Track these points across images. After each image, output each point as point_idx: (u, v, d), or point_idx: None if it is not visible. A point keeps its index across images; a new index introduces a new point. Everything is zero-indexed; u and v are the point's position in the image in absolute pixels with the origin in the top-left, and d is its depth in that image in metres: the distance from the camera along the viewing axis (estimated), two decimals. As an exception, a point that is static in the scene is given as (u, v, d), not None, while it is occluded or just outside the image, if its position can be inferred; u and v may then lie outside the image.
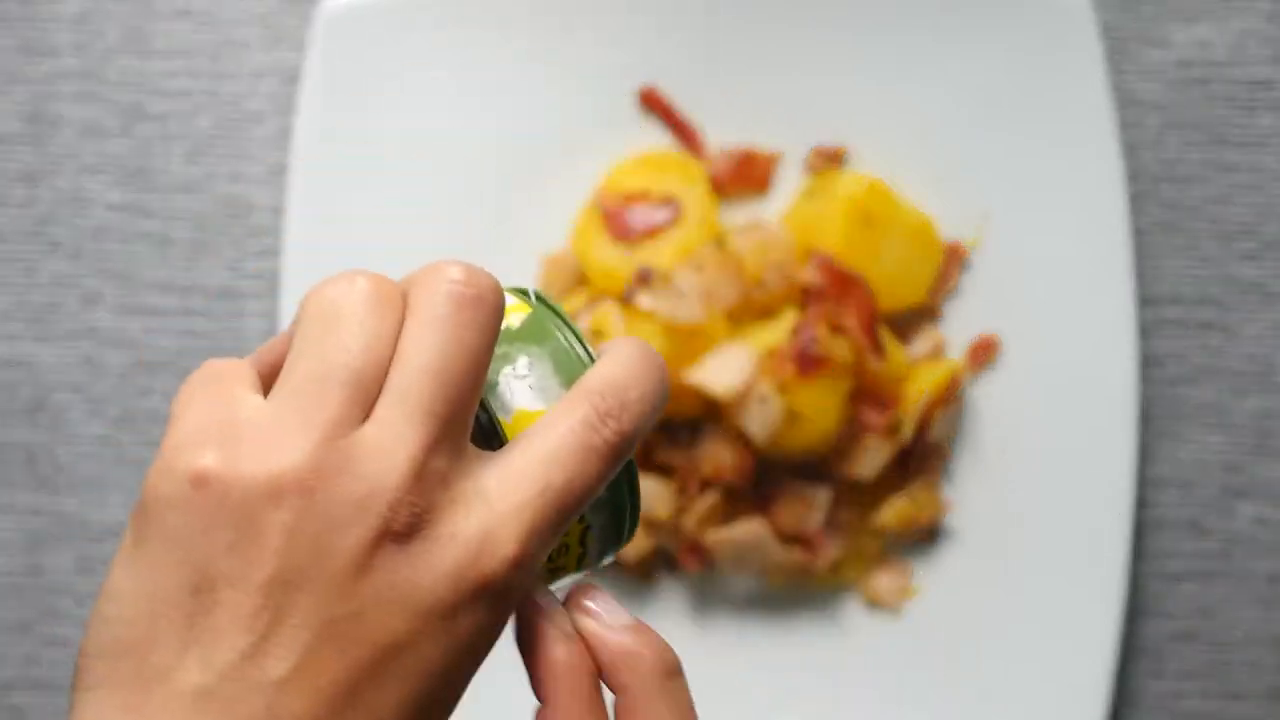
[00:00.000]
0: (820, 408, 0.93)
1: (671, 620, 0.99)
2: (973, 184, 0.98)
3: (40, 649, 1.01)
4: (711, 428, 0.94)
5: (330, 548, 0.51)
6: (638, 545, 0.95)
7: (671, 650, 0.56)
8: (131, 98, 1.02)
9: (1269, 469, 1.00)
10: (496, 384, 0.55)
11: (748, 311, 0.96)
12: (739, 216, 0.99)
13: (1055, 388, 0.98)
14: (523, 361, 0.56)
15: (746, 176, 0.99)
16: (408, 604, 0.51)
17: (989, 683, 0.97)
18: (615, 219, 0.97)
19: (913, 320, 0.99)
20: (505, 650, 0.98)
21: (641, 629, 0.56)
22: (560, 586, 0.58)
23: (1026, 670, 0.97)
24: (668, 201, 0.97)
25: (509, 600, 0.53)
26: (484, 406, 0.55)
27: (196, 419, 0.53)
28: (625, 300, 0.94)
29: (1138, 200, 1.01)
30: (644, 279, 0.94)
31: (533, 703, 0.97)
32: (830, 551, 0.97)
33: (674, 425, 0.95)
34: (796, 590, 0.99)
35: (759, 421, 0.92)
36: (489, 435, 0.55)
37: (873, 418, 0.95)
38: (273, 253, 1.02)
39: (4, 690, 1.01)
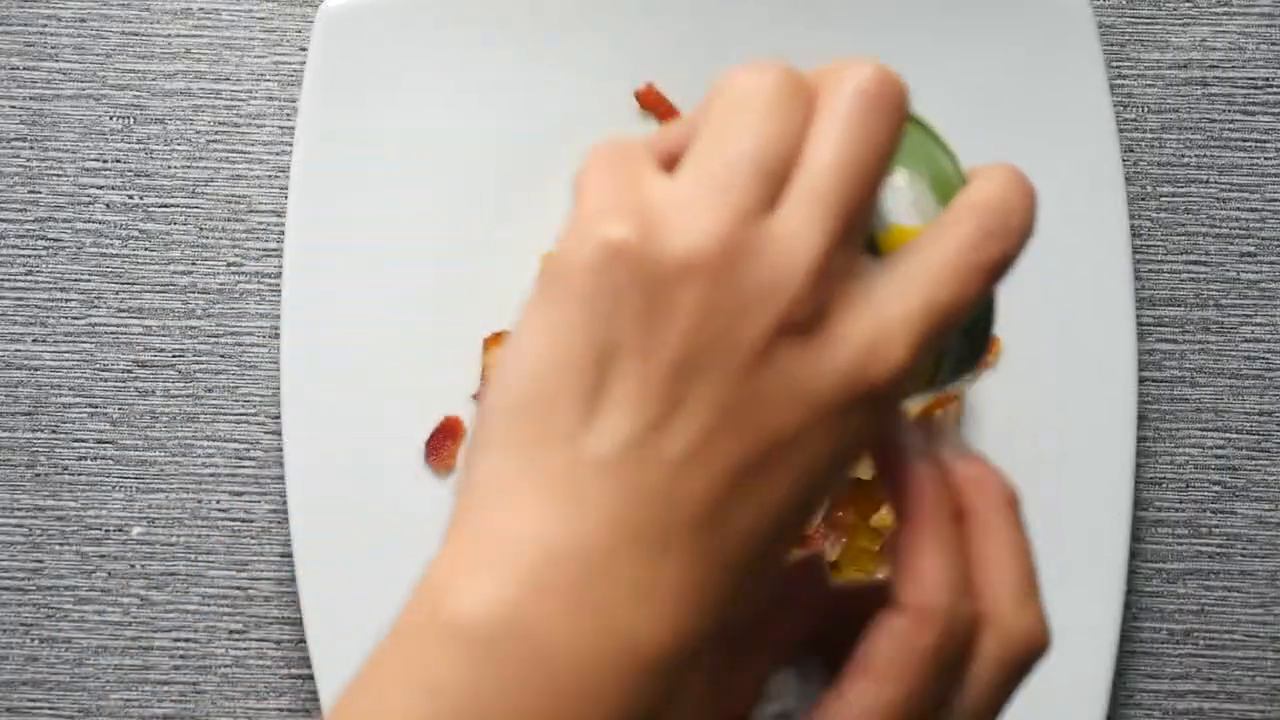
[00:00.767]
0: (820, 407, 0.93)
1: (671, 620, 0.98)
2: (972, 184, 0.98)
3: (40, 649, 1.01)
4: (711, 428, 0.94)
5: (735, 333, 0.51)
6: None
7: (1013, 484, 0.57)
8: (131, 98, 1.02)
9: (1268, 469, 1.00)
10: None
11: (748, 311, 0.96)
12: (739, 217, 0.99)
13: (1055, 388, 0.98)
14: (901, 176, 0.56)
15: (746, 177, 0.99)
16: (803, 398, 0.51)
17: (989, 682, 0.97)
18: (615, 219, 0.97)
19: (912, 320, 0.99)
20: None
21: (985, 460, 0.57)
22: (906, 404, 0.58)
23: (1026, 670, 0.97)
24: (668, 201, 0.97)
25: (889, 408, 0.53)
26: None
27: (607, 192, 0.52)
28: (625, 300, 0.94)
29: (1137, 200, 1.01)
30: (644, 279, 0.94)
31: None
32: (830, 551, 0.97)
33: (674, 425, 0.95)
34: (796, 590, 0.99)
35: (759, 421, 0.92)
36: (867, 249, 0.55)
37: (873, 417, 0.95)
38: (273, 253, 1.02)
39: (4, 690, 1.01)
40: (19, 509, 1.01)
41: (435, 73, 0.98)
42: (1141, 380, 1.01)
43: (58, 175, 1.02)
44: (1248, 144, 1.01)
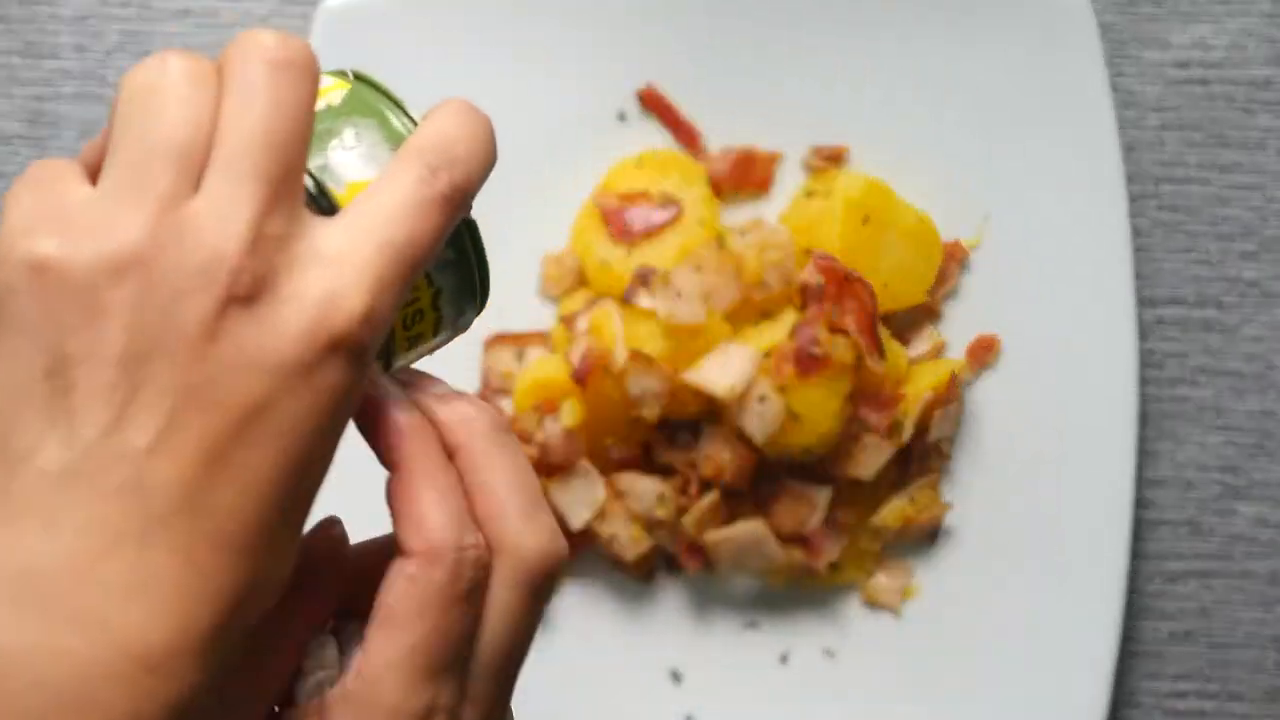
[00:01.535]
0: (820, 408, 0.93)
1: (671, 620, 0.99)
2: (973, 184, 0.98)
3: (40, 649, 1.01)
4: (711, 428, 0.94)
5: (177, 317, 0.51)
6: (638, 545, 0.95)
7: (501, 412, 0.58)
8: (132, 98, 1.02)
9: (1268, 469, 1.00)
10: (326, 159, 0.56)
11: (748, 311, 0.96)
12: (739, 216, 0.99)
13: (1055, 388, 0.98)
14: (349, 134, 0.57)
15: (746, 176, 0.99)
16: (262, 364, 0.51)
17: (989, 683, 0.97)
18: (615, 219, 0.97)
19: (913, 320, 0.99)
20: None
21: (469, 395, 0.58)
22: (421, 354, 0.59)
23: (1026, 670, 0.97)
24: (668, 201, 0.97)
25: (364, 357, 0.53)
26: (315, 181, 0.55)
27: (28, 211, 0.52)
28: (625, 300, 0.94)
29: (1138, 200, 1.01)
30: (644, 279, 0.94)
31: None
32: (830, 551, 0.97)
33: (674, 425, 0.95)
34: (796, 590, 0.99)
35: (759, 421, 0.92)
36: (324, 210, 0.55)
37: (873, 418, 0.95)
38: (273, 253, 1.02)
39: (4, 690, 1.01)
40: (19, 509, 1.01)
41: (435, 72, 0.98)
42: (1142, 380, 1.01)
43: (58, 175, 1.02)
44: (1248, 143, 1.01)
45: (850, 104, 0.99)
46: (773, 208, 0.99)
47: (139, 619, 0.50)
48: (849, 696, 0.98)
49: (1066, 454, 0.97)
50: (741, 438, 0.94)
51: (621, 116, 0.99)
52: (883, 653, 0.98)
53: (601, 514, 0.95)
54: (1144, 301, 1.01)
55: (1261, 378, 1.01)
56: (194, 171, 0.52)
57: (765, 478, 0.96)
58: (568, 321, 0.95)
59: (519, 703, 0.97)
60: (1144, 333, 1.01)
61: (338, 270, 0.52)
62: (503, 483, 0.57)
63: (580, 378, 0.92)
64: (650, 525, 0.95)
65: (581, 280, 0.99)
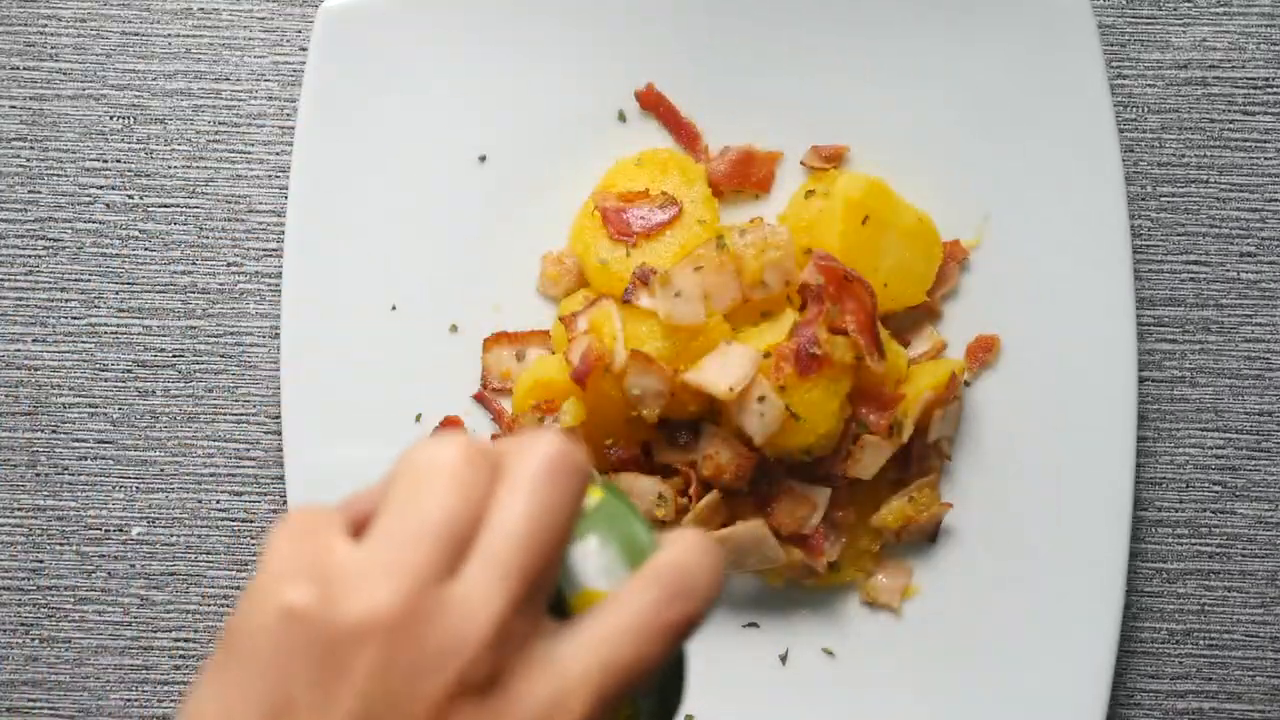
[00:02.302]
0: (820, 408, 0.93)
1: (671, 620, 0.98)
2: (973, 184, 0.98)
3: (40, 649, 1.01)
4: (711, 428, 0.94)
5: (411, 693, 0.53)
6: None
7: None
8: (131, 98, 1.02)
9: (1268, 469, 1.01)
10: (567, 560, 0.58)
11: (748, 311, 0.96)
12: (739, 216, 0.99)
13: (1055, 388, 0.98)
14: (593, 541, 0.59)
15: (746, 176, 0.99)
16: None
17: (989, 682, 0.97)
18: (615, 219, 0.97)
19: (913, 320, 0.99)
20: None
21: None
22: None
23: (1026, 670, 0.97)
24: (668, 201, 0.97)
25: None
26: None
27: (290, 556, 0.55)
28: (625, 300, 0.94)
29: (1137, 200, 1.01)
30: (644, 279, 0.94)
31: None
32: (830, 551, 0.97)
33: (674, 425, 0.95)
34: (796, 590, 0.99)
35: (759, 421, 0.92)
36: (555, 607, 0.58)
37: (872, 418, 0.95)
38: (273, 253, 1.02)
39: (4, 690, 1.01)
40: (19, 509, 1.01)
41: (435, 72, 0.98)
42: (1141, 380, 1.01)
43: (58, 175, 1.02)
44: (1248, 144, 1.01)
45: (850, 104, 0.99)
46: (773, 208, 0.99)
47: None
48: (849, 696, 0.98)
49: (1066, 454, 0.97)
50: (741, 438, 0.94)
51: (621, 116, 0.99)
52: (882, 652, 0.98)
53: (602, 514, 0.95)
54: (1143, 301, 1.01)
55: (1260, 378, 1.01)
56: (457, 554, 0.55)
57: (765, 478, 0.96)
58: (568, 321, 0.95)
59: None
60: (1144, 333, 1.01)
61: (564, 680, 0.55)
62: None
63: (580, 378, 0.92)
64: (650, 525, 0.95)
65: (581, 280, 0.99)
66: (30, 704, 1.01)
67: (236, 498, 1.01)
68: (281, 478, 1.01)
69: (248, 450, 1.01)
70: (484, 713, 0.53)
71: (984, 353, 0.98)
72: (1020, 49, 0.97)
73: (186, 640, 1.01)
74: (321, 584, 0.54)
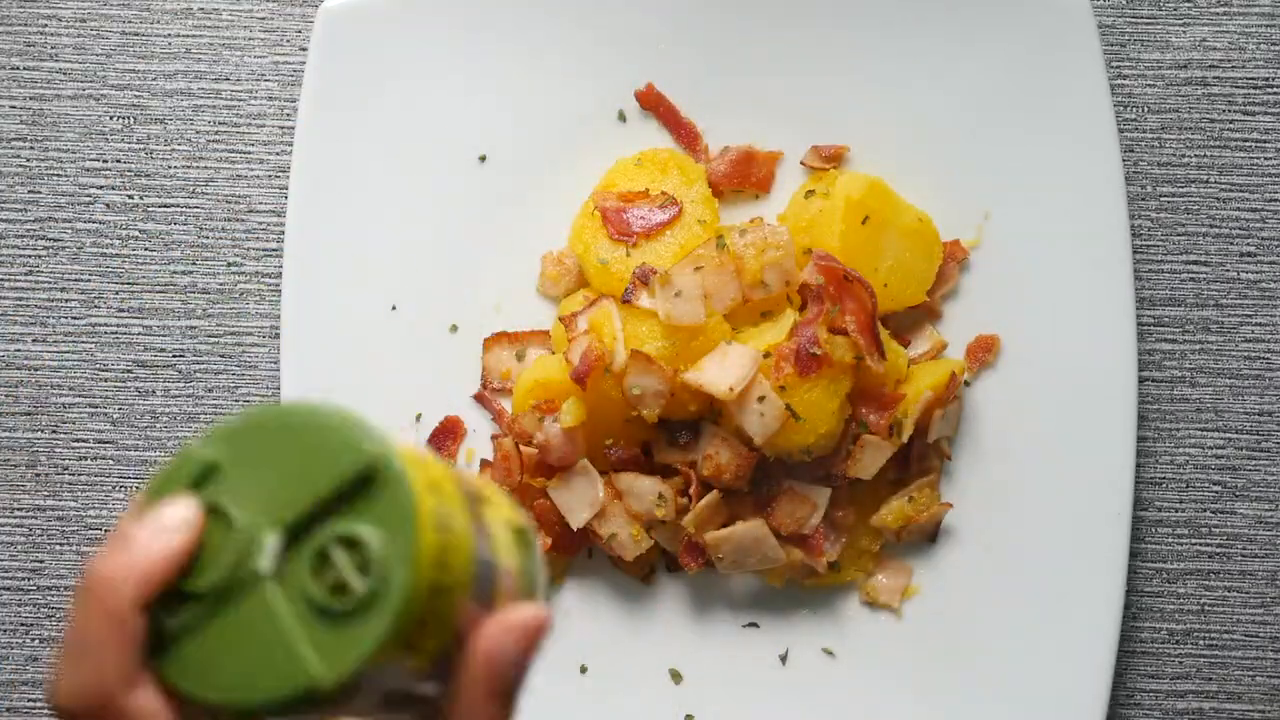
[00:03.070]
0: (820, 408, 0.93)
1: (671, 620, 0.99)
2: (973, 184, 0.98)
3: (40, 649, 1.01)
4: (711, 428, 0.94)
5: None
6: (638, 545, 0.95)
7: None
8: (131, 98, 1.02)
9: (1268, 469, 1.01)
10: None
11: (748, 311, 0.96)
12: (739, 216, 0.99)
13: (1055, 388, 0.98)
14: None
15: (746, 176, 0.99)
16: None
17: (989, 682, 0.97)
18: (615, 219, 0.97)
19: (913, 320, 0.99)
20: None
21: None
22: None
23: (1026, 670, 0.97)
24: (668, 201, 0.97)
25: None
26: None
27: None
28: (625, 300, 0.94)
29: (1137, 200, 1.01)
30: (644, 279, 0.94)
31: None
32: (830, 551, 0.97)
33: (674, 425, 0.95)
34: (796, 590, 0.99)
35: (759, 421, 0.92)
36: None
37: (873, 418, 0.95)
38: (273, 253, 1.02)
39: (4, 690, 1.01)
40: (19, 509, 1.01)
41: (435, 73, 0.98)
42: (1141, 380, 1.01)
43: (58, 175, 1.02)
44: (1248, 144, 1.01)
45: (850, 104, 0.99)
46: (773, 208, 0.99)
47: None
48: (849, 696, 0.98)
49: (1066, 454, 0.97)
50: (741, 437, 0.94)
51: (621, 116, 0.99)
52: (882, 652, 0.98)
53: (601, 514, 0.95)
54: (1143, 301, 1.01)
55: (1261, 378, 1.01)
56: None
57: (765, 478, 0.96)
58: (568, 321, 0.95)
59: (521, 702, 0.97)
60: (1143, 333, 1.01)
61: None
62: None
63: (580, 378, 0.92)
64: (650, 525, 0.95)
65: (581, 280, 0.99)
66: (30, 704, 1.01)
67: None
68: (281, 478, 1.01)
69: (248, 450, 1.01)
70: None
71: (984, 353, 0.98)
72: (1020, 49, 0.97)
73: (186, 640, 1.01)
74: None
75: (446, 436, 0.98)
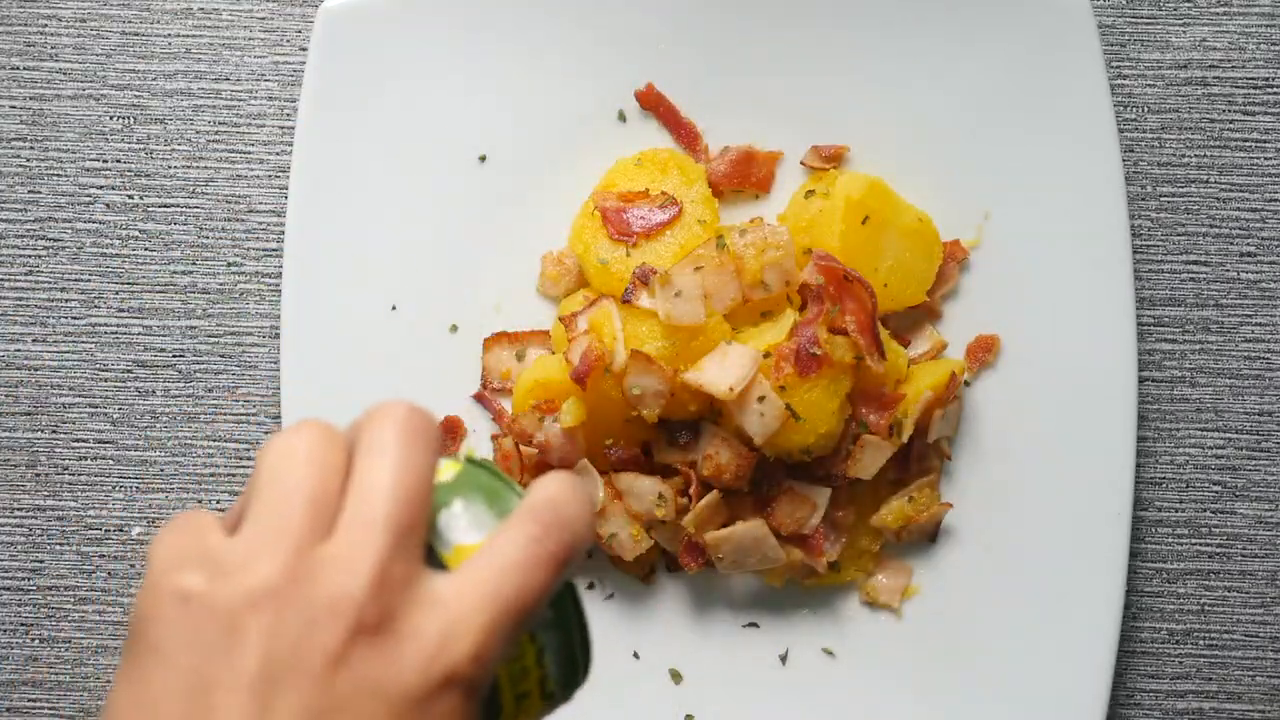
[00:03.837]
0: (820, 408, 0.93)
1: (671, 620, 0.99)
2: (973, 184, 0.98)
3: (40, 649, 1.01)
4: (711, 428, 0.94)
5: (308, 646, 0.56)
6: (638, 545, 0.95)
7: None
8: (131, 98, 1.02)
9: (1268, 469, 1.01)
10: (436, 525, 0.61)
11: (748, 311, 0.96)
12: (739, 216, 0.99)
13: (1055, 388, 0.98)
14: (458, 504, 0.62)
15: (746, 176, 0.99)
16: (383, 694, 0.57)
17: (989, 682, 0.97)
18: (615, 219, 0.97)
19: (913, 320, 0.99)
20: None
21: None
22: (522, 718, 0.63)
23: (1026, 670, 0.97)
24: (668, 201, 0.97)
25: (475, 693, 0.58)
26: (426, 545, 0.60)
27: (174, 551, 0.59)
28: (625, 300, 0.94)
29: (1137, 200, 1.01)
30: (644, 279, 0.94)
31: None
32: (830, 551, 0.97)
33: (674, 425, 0.95)
34: (796, 590, 0.99)
35: (759, 421, 0.92)
36: (434, 568, 0.60)
37: (873, 418, 0.95)
38: (273, 253, 1.02)
39: (4, 690, 1.01)
40: (19, 509, 1.01)
41: (435, 73, 0.98)
42: (1141, 380, 1.01)
43: (58, 175, 1.02)
44: (1248, 144, 1.01)
45: (850, 104, 0.99)
46: (773, 208, 0.99)
47: None
48: (849, 696, 0.98)
49: (1066, 454, 0.97)
50: (741, 437, 0.94)
51: (621, 116, 0.99)
52: (882, 653, 0.98)
53: (601, 514, 0.95)
54: (1143, 301, 1.01)
55: (1261, 378, 1.01)
56: (327, 519, 0.59)
57: (765, 478, 0.96)
58: (568, 321, 0.95)
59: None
60: (1143, 333, 1.01)
61: (453, 614, 0.58)
62: None
63: (580, 378, 0.92)
64: (650, 525, 0.95)
65: (581, 280, 0.99)
66: (30, 704, 1.01)
67: (236, 498, 1.01)
68: (281, 478, 1.01)
69: (248, 450, 1.01)
70: (378, 654, 0.57)
71: (984, 353, 0.98)
72: (1020, 49, 0.97)
73: (186, 640, 1.01)
74: (209, 568, 0.58)
75: (446, 436, 0.98)
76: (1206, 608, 1.01)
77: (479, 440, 0.99)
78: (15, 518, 1.01)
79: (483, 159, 0.99)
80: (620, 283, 0.96)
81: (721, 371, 0.92)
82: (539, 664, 0.62)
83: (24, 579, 1.01)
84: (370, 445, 0.60)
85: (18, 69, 1.02)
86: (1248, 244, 1.01)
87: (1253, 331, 1.01)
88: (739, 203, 1.00)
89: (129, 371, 1.01)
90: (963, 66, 0.98)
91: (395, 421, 0.60)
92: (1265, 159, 1.01)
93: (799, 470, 0.96)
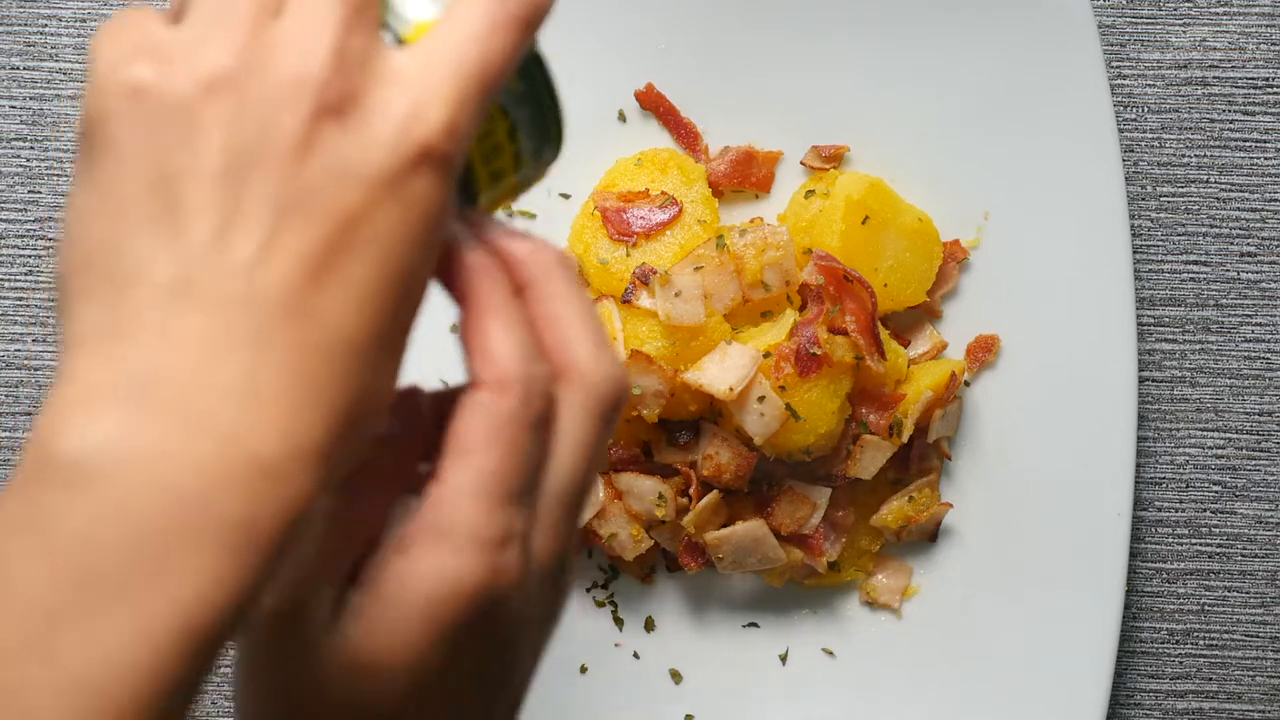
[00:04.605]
0: (820, 408, 0.93)
1: (671, 620, 0.99)
2: (973, 184, 0.98)
3: (40, 649, 1.01)
4: (711, 428, 0.94)
5: (272, 129, 0.53)
6: (638, 545, 0.95)
7: (562, 250, 0.60)
8: (131, 98, 1.02)
9: (1268, 469, 1.01)
10: (391, 3, 0.58)
11: (748, 311, 0.96)
12: (739, 216, 0.99)
13: (1055, 388, 0.98)
14: None
15: (746, 176, 0.99)
16: (355, 174, 0.54)
17: (989, 682, 0.97)
18: (615, 219, 0.97)
19: (913, 320, 0.99)
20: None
21: (535, 236, 0.60)
22: (504, 194, 0.61)
23: (1026, 670, 0.97)
24: (668, 201, 0.97)
25: (449, 171, 0.55)
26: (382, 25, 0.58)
27: (120, 45, 0.55)
28: (625, 300, 0.94)
29: (1137, 200, 1.01)
30: (644, 279, 0.94)
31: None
32: (830, 551, 0.97)
33: (674, 425, 0.95)
34: (796, 590, 0.99)
35: (759, 421, 0.92)
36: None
37: (873, 418, 0.95)
38: (273, 253, 1.01)
39: (4, 690, 1.01)
40: (19, 509, 1.01)
41: (435, 73, 0.98)
42: (1141, 380, 1.01)
43: (58, 175, 1.02)
44: (1248, 144, 1.01)
45: (850, 104, 0.99)
46: (773, 208, 0.99)
47: (254, 424, 0.52)
48: (849, 696, 0.98)
49: (1066, 454, 0.97)
50: (741, 437, 0.94)
51: (621, 116, 0.99)
52: (882, 653, 0.98)
53: (601, 514, 0.95)
54: (1143, 301, 1.01)
55: (1261, 378, 1.01)
56: (273, 2, 0.55)
57: (765, 478, 0.96)
58: (568, 321, 0.95)
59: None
60: (1143, 333, 1.01)
61: (418, 87, 0.55)
62: (570, 314, 0.59)
63: (580, 378, 0.92)
64: (650, 525, 0.95)
65: (581, 280, 0.99)
66: (30, 704, 1.01)
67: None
68: (281, 478, 1.00)
69: (248, 450, 1.01)
70: (345, 134, 0.54)
71: (984, 353, 0.98)
72: (1020, 49, 0.97)
73: (186, 640, 1.01)
74: (157, 59, 0.54)
75: None
76: (1206, 608, 1.01)
77: (479, 440, 0.99)
78: (15, 518, 1.01)
79: (483, 159, 0.99)
80: (620, 283, 0.96)
81: (721, 371, 0.92)
82: (512, 140, 0.60)
83: (24, 579, 1.01)
84: None
85: (18, 69, 1.02)
86: (1248, 244, 1.01)
87: (1253, 331, 1.01)
88: (739, 203, 1.00)
89: (129, 371, 1.01)
90: (962, 66, 0.98)
91: None
92: (1265, 159, 1.01)
93: (799, 470, 0.96)
